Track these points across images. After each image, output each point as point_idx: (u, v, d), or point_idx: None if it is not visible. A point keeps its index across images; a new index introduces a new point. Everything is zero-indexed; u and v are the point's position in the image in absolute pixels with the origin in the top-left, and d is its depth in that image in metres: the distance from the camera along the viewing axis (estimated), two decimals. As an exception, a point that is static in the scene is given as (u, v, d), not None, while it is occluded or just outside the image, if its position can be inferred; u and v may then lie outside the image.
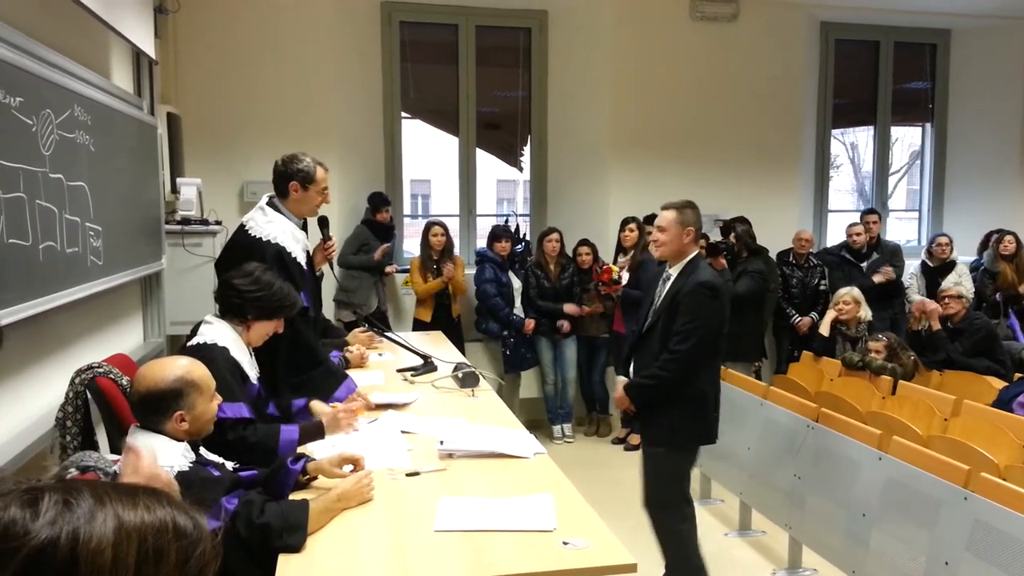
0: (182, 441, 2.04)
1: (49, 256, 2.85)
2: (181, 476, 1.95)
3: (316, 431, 2.65)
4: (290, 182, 3.23)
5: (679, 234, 3.31)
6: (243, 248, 3.15)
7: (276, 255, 3.11)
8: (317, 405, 2.89)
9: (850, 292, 5.41)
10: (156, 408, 2.01)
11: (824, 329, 5.37)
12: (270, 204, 3.27)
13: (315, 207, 3.34)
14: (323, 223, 3.54)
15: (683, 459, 3.42)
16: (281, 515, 1.97)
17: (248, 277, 2.67)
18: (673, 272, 3.37)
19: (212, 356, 2.51)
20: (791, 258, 6.29)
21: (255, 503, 1.99)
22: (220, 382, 2.48)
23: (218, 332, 2.63)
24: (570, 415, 6.11)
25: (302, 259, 3.24)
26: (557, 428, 6.06)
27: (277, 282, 2.72)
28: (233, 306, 2.66)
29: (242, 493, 2.04)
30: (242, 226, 3.24)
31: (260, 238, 3.15)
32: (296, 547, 1.93)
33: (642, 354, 3.44)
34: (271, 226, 3.18)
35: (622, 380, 3.57)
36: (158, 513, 0.78)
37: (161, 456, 1.96)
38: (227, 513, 1.96)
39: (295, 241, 3.22)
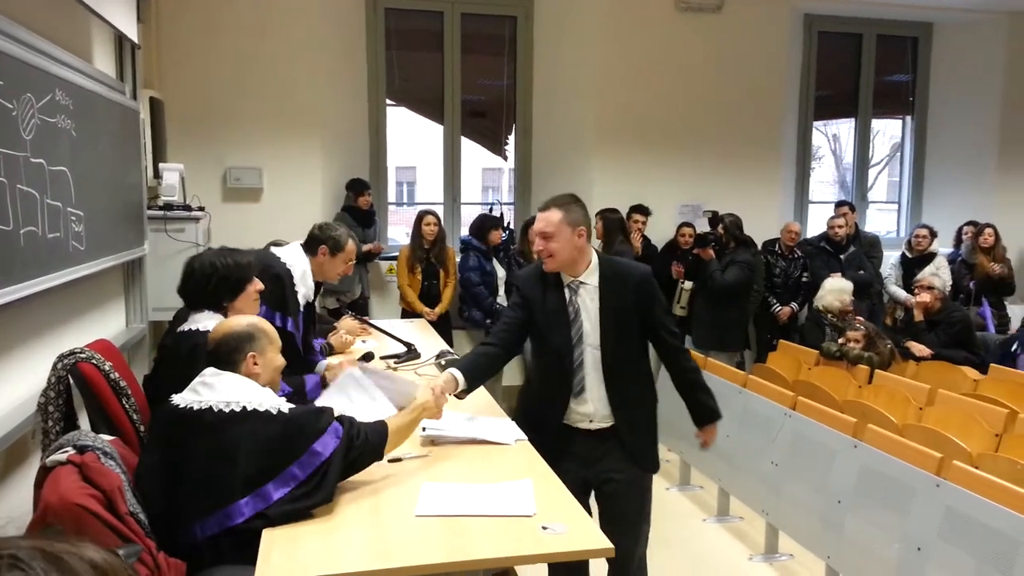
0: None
1: (30, 241, 2.84)
2: (293, 412, 2.13)
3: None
4: (320, 245, 3.42)
5: (570, 238, 2.63)
6: (261, 259, 3.29)
7: (284, 275, 3.28)
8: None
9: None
10: (232, 348, 2.22)
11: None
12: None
13: (337, 274, 3.53)
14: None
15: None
16: (377, 433, 2.23)
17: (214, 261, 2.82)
18: (587, 280, 2.70)
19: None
20: (777, 248, 6.33)
21: (354, 424, 2.21)
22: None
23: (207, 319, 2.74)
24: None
25: (301, 297, 3.35)
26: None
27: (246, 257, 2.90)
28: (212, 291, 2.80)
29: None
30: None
31: (278, 256, 3.35)
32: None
33: (616, 380, 2.72)
34: (291, 256, 3.37)
35: (709, 430, 3.03)
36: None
37: (259, 396, 2.13)
38: (339, 434, 2.13)
39: (302, 282, 3.35)
